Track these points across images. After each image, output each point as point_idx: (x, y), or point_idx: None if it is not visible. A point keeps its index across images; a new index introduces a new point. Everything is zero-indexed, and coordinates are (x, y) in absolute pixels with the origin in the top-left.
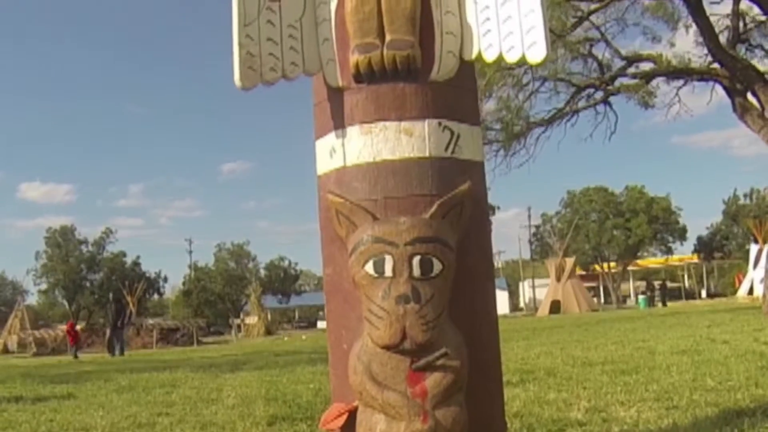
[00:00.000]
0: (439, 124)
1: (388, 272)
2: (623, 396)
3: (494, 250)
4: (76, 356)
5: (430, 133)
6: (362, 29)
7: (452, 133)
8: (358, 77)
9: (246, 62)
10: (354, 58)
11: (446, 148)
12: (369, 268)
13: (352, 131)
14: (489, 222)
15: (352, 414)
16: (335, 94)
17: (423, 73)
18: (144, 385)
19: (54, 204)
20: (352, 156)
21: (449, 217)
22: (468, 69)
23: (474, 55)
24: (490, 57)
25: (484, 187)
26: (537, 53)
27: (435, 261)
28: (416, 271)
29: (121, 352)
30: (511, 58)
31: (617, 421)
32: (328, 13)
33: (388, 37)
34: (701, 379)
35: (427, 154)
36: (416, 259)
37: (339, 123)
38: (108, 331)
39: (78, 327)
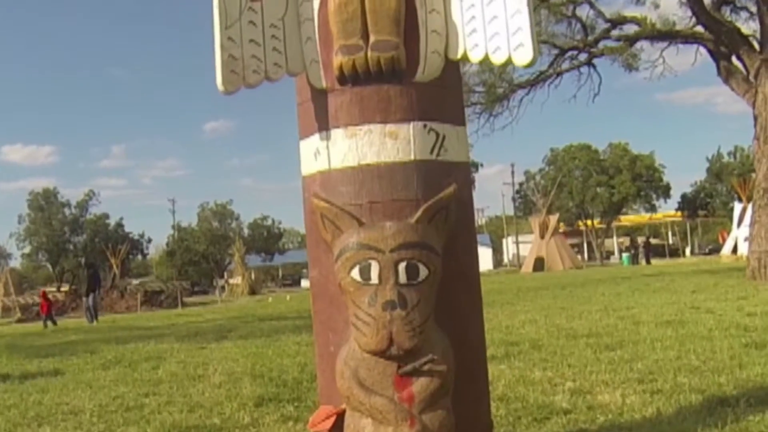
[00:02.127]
0: (425, 126)
1: (374, 279)
2: (608, 375)
3: (477, 206)
4: (45, 325)
5: (415, 136)
6: (346, 30)
7: (437, 135)
8: (342, 79)
9: (228, 65)
10: (338, 59)
11: (431, 151)
12: (355, 274)
13: (337, 134)
14: (473, 223)
15: (340, 416)
16: (319, 95)
17: (408, 74)
18: (130, 358)
19: (36, 166)
20: (336, 159)
21: (435, 221)
22: (453, 67)
23: (459, 55)
24: (475, 57)
25: (470, 188)
26: (524, 55)
27: (421, 267)
28: (402, 277)
29: (95, 318)
30: (497, 59)
31: (602, 408)
32: (311, 12)
33: (372, 38)
34: (685, 356)
35: (412, 158)
36: (402, 265)
37: (323, 125)
38: (85, 300)
39: (62, 290)
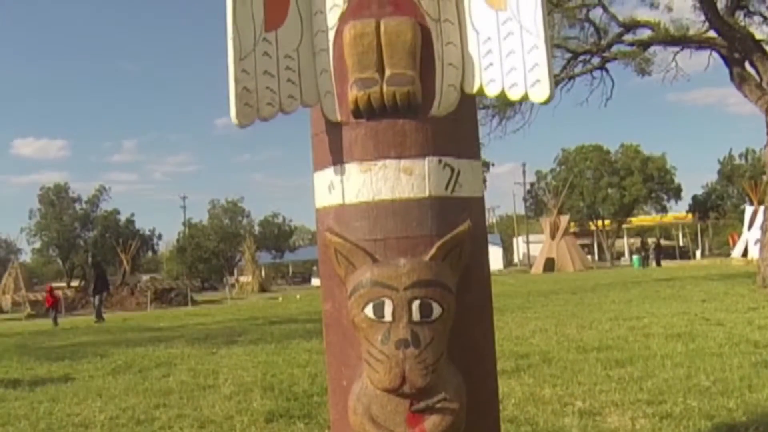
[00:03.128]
0: (440, 161)
1: (388, 316)
2: (618, 395)
3: (488, 206)
4: (56, 322)
5: (430, 172)
6: (361, 63)
7: (452, 170)
8: (357, 113)
9: (242, 98)
10: (353, 93)
11: (446, 187)
12: (368, 311)
13: (351, 168)
14: (487, 257)
15: None
16: (334, 128)
17: (423, 108)
18: (140, 363)
19: (48, 160)
20: (351, 194)
21: (449, 258)
22: (469, 101)
23: (475, 89)
24: (492, 92)
25: (484, 221)
26: (540, 93)
27: (434, 305)
28: (416, 315)
29: (98, 317)
30: (514, 95)
31: None
32: (325, 43)
33: (387, 72)
34: (695, 375)
35: (426, 194)
36: (416, 304)
37: (338, 158)
38: (93, 299)
39: (72, 285)
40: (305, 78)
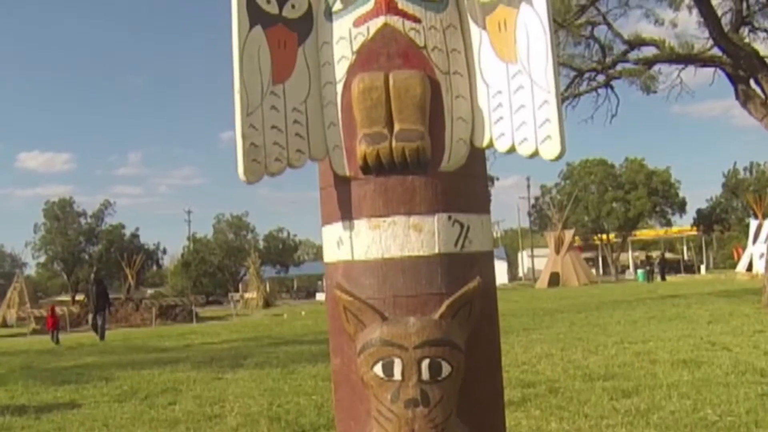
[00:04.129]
0: (449, 218)
1: (397, 375)
2: (624, 430)
3: (493, 219)
4: (57, 341)
5: (439, 229)
6: (370, 117)
7: (462, 226)
8: (366, 169)
9: (250, 155)
10: (362, 149)
11: (456, 243)
12: (378, 370)
13: (360, 225)
14: (497, 312)
15: None
16: (342, 183)
17: (433, 163)
18: (146, 389)
19: (53, 173)
20: (359, 251)
21: (459, 316)
22: (478, 154)
23: (485, 143)
24: (502, 147)
25: (493, 276)
26: (551, 149)
27: (444, 364)
28: (425, 375)
29: (102, 336)
30: (524, 151)
31: None
32: (334, 96)
33: (396, 127)
34: (701, 407)
35: (436, 251)
36: (425, 363)
37: (346, 214)
38: (91, 316)
39: (78, 299)
40: (313, 131)
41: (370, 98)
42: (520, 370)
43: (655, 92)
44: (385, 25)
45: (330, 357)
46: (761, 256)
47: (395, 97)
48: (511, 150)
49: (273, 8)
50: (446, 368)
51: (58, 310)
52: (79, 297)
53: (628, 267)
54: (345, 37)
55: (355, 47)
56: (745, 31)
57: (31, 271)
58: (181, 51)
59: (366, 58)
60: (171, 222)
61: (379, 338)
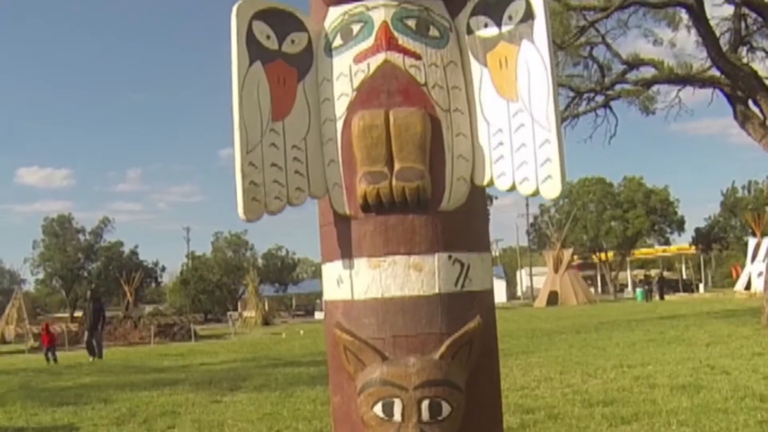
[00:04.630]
0: (449, 257)
1: (397, 416)
2: None
3: (491, 238)
4: (48, 359)
5: (439, 268)
6: (370, 156)
7: (462, 265)
8: (366, 207)
9: (249, 193)
10: (362, 188)
11: (456, 283)
12: (378, 410)
13: (360, 264)
14: (497, 351)
15: None
16: (342, 221)
17: (433, 202)
18: (144, 411)
19: (52, 189)
20: (359, 290)
21: (459, 356)
22: (479, 192)
23: (486, 182)
24: (502, 186)
25: (493, 314)
26: (552, 189)
27: (444, 404)
28: (425, 415)
29: (100, 355)
30: (525, 190)
31: None
32: (333, 132)
33: (397, 166)
34: None
35: (436, 291)
36: (425, 403)
37: (346, 252)
38: (87, 334)
39: (76, 315)
40: (313, 169)
41: (371, 136)
42: (519, 395)
43: (653, 113)
44: (386, 61)
45: (330, 393)
46: (759, 274)
47: (396, 136)
48: (512, 189)
49: (273, 44)
50: (446, 408)
51: (55, 327)
52: (78, 314)
53: (626, 286)
54: (345, 73)
55: (356, 84)
56: (743, 50)
57: (30, 287)
58: (180, 68)
59: (366, 95)
60: (170, 239)
61: (379, 378)
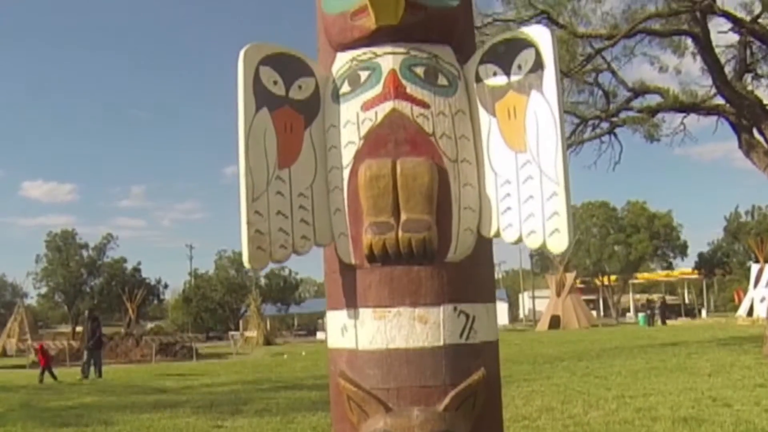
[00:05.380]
0: (455, 309)
1: None
2: None
3: (495, 261)
4: (41, 381)
5: (445, 320)
6: (376, 206)
7: (467, 317)
8: (372, 258)
9: (255, 242)
10: (368, 238)
11: (461, 334)
12: None
13: (365, 314)
14: (500, 400)
15: None
16: (347, 270)
17: (439, 253)
18: None
19: (56, 203)
20: (364, 340)
21: (463, 408)
22: (485, 242)
23: (492, 233)
24: (509, 238)
25: (497, 365)
26: (559, 243)
27: None
28: None
29: (99, 373)
30: (531, 243)
31: None
32: (340, 181)
33: (403, 216)
34: None
35: (441, 343)
36: None
37: (351, 302)
38: (86, 354)
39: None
40: (319, 217)
41: (377, 186)
42: (521, 426)
43: (658, 140)
44: (393, 110)
45: None
46: (762, 300)
47: (402, 186)
48: (518, 241)
49: (280, 89)
50: None
51: (56, 343)
52: (80, 329)
53: (628, 310)
54: (352, 121)
55: (363, 132)
56: (748, 78)
57: (32, 300)
58: (185, 85)
59: (373, 143)
60: (173, 256)
61: (382, 429)
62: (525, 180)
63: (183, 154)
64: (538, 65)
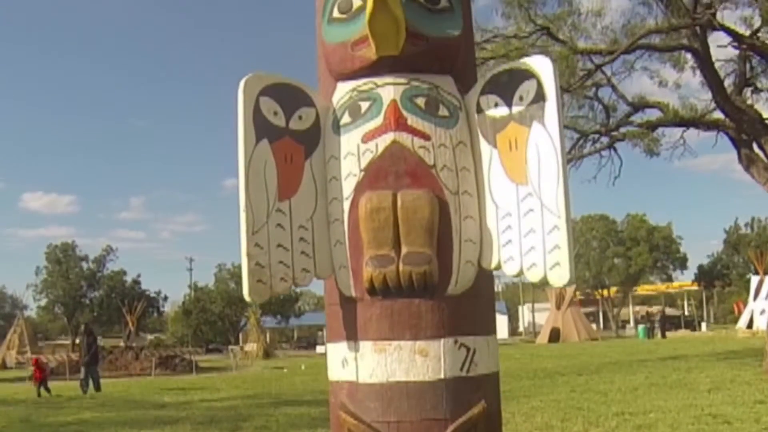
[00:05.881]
0: (455, 342)
1: None
2: None
3: (494, 274)
4: (39, 394)
5: (445, 354)
6: (377, 239)
7: (468, 350)
8: (373, 291)
9: (255, 275)
10: (368, 271)
11: (462, 367)
12: None
13: (365, 347)
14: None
15: None
16: (348, 302)
17: (440, 286)
18: None
19: (56, 214)
20: (365, 373)
21: None
22: (485, 275)
23: (493, 266)
24: (510, 271)
25: (498, 397)
26: (560, 277)
27: None
28: None
29: (97, 388)
30: (533, 276)
31: None
32: (340, 213)
33: (404, 249)
34: None
35: (441, 376)
36: None
37: (352, 334)
38: (83, 370)
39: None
40: (319, 249)
41: (378, 219)
42: None
43: (658, 155)
44: (394, 142)
45: None
46: (762, 312)
47: (403, 219)
48: (519, 274)
49: (280, 120)
50: None
51: (55, 357)
52: (79, 341)
53: (628, 322)
54: (353, 152)
55: (363, 164)
56: (747, 91)
57: (32, 312)
58: (185, 96)
59: (374, 175)
60: (172, 268)
61: None
62: (526, 213)
63: (183, 165)
64: (539, 96)
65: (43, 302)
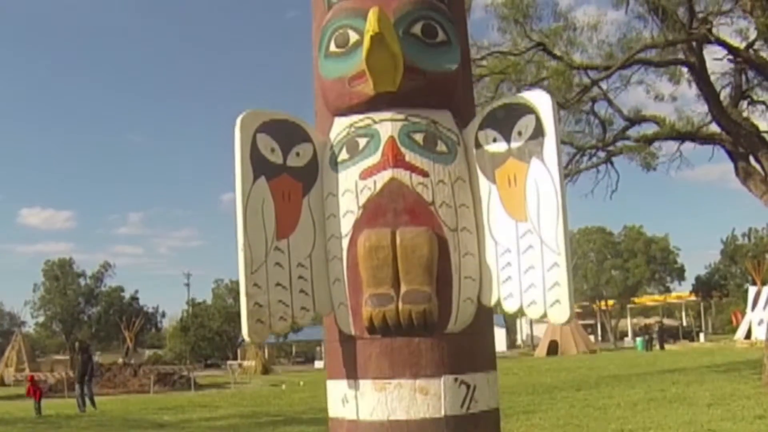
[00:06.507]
0: (456, 379)
1: None
2: None
3: None
4: (39, 412)
5: (445, 392)
6: (376, 277)
7: (468, 387)
8: (372, 330)
9: (254, 315)
10: (367, 310)
11: (462, 405)
12: None
13: (365, 385)
14: None
15: None
16: (347, 340)
17: (440, 324)
18: None
19: (54, 230)
20: (365, 412)
21: None
22: (485, 311)
23: (493, 302)
24: (510, 308)
25: (498, 431)
26: (560, 314)
27: None
28: None
29: (92, 404)
30: (532, 314)
31: None
32: (339, 251)
33: (403, 288)
34: None
35: (442, 414)
36: None
37: (351, 372)
38: (77, 387)
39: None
40: (318, 287)
41: (377, 257)
42: None
43: (655, 169)
44: (392, 179)
45: None
46: (760, 322)
47: (402, 258)
48: (519, 311)
49: (277, 157)
50: None
51: (53, 374)
52: (72, 357)
53: (626, 334)
54: (351, 189)
55: (362, 201)
56: (743, 104)
57: (29, 329)
58: (182, 111)
59: (373, 213)
60: (170, 283)
61: None
62: (526, 249)
63: (180, 181)
64: (538, 132)
65: (41, 319)
